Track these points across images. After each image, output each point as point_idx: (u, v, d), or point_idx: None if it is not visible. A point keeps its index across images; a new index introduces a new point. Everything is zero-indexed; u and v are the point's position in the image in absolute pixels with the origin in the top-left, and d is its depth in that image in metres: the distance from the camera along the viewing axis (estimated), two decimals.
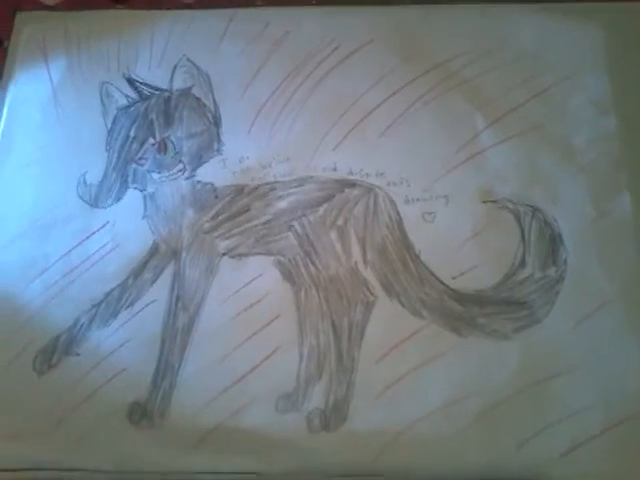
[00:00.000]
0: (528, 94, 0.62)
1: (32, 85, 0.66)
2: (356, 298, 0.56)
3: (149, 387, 0.54)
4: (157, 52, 0.66)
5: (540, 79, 0.63)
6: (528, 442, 0.51)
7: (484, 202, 0.59)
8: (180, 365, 0.55)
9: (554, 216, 0.58)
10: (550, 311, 0.55)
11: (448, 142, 0.61)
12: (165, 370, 0.54)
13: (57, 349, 0.56)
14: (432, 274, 0.56)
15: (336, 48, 0.65)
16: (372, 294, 0.56)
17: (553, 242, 0.57)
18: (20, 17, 0.69)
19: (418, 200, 0.59)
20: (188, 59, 0.65)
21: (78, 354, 0.55)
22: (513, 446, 0.51)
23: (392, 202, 0.59)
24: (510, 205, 0.58)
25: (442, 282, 0.56)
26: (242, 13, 0.68)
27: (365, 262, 0.57)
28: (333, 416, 0.53)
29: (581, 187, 0.59)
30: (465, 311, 0.55)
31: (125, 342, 0.56)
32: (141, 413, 0.53)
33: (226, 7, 0.68)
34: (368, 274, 0.57)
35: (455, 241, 0.57)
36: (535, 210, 0.58)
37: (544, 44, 0.64)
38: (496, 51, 0.64)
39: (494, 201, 0.59)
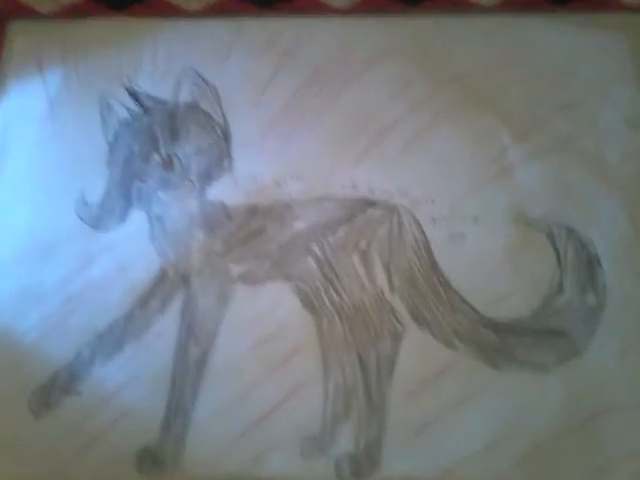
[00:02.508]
0: (554, 108, 0.59)
1: (27, 98, 0.62)
2: (383, 328, 0.52)
3: (159, 430, 0.51)
4: (161, 63, 0.63)
5: (566, 92, 0.60)
6: None
7: (516, 222, 0.55)
8: (193, 405, 0.51)
9: (590, 236, 0.55)
10: (591, 341, 0.51)
11: (473, 158, 0.58)
12: (177, 411, 0.51)
13: (56, 387, 0.52)
14: (464, 301, 0.53)
15: (350, 60, 0.62)
16: (400, 324, 0.53)
17: (591, 265, 0.54)
18: (13, 26, 0.65)
19: (445, 220, 0.55)
20: (194, 71, 0.61)
21: (79, 393, 0.52)
22: None
23: (417, 222, 0.55)
24: (543, 226, 0.55)
25: (474, 309, 0.53)
26: (251, 23, 0.64)
27: (391, 289, 0.54)
28: (364, 461, 0.49)
29: (617, 205, 0.56)
30: (501, 341, 0.52)
31: (131, 379, 0.52)
32: (152, 460, 0.50)
33: (234, 16, 0.65)
34: (395, 302, 0.53)
35: (486, 265, 0.54)
36: (570, 231, 0.55)
37: (569, 56, 0.62)
38: (519, 63, 0.62)
39: (526, 221, 0.55)
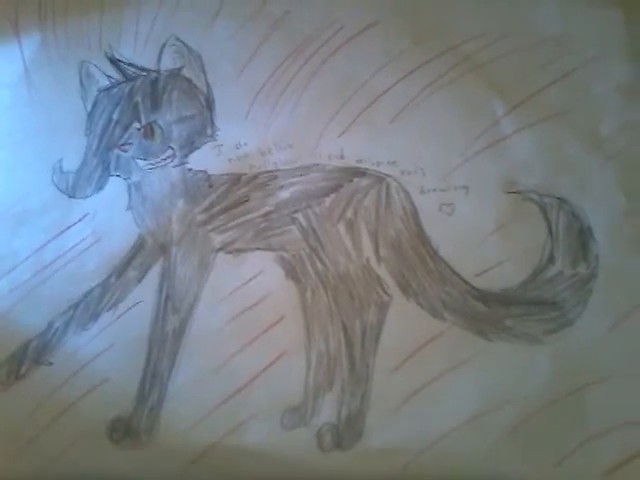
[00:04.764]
0: (549, 79, 0.58)
1: (1, 63, 0.60)
2: (369, 298, 0.51)
3: (134, 400, 0.50)
4: (143, 30, 0.61)
5: (562, 63, 0.58)
6: (567, 459, 0.47)
7: (507, 193, 0.54)
8: (170, 375, 0.51)
9: (583, 208, 0.53)
10: (583, 312, 0.51)
11: (465, 128, 0.57)
12: (153, 381, 0.51)
13: (26, 357, 0.52)
14: (453, 271, 0.52)
15: (340, 29, 0.60)
16: (387, 293, 0.52)
17: (582, 236, 0.53)
18: None
19: (435, 190, 0.54)
20: (178, 38, 0.59)
21: (51, 363, 0.52)
22: (551, 463, 0.47)
23: (406, 193, 0.54)
24: (535, 196, 0.54)
25: (464, 280, 0.52)
26: None
27: (378, 258, 0.52)
28: (347, 432, 0.49)
29: (611, 177, 0.54)
30: (491, 312, 0.51)
31: (106, 349, 0.52)
32: (124, 430, 0.49)
33: None
34: (382, 271, 0.52)
35: (477, 235, 0.53)
36: (562, 201, 0.54)
37: (564, 27, 0.60)
38: (514, 34, 0.60)
39: (518, 192, 0.54)
